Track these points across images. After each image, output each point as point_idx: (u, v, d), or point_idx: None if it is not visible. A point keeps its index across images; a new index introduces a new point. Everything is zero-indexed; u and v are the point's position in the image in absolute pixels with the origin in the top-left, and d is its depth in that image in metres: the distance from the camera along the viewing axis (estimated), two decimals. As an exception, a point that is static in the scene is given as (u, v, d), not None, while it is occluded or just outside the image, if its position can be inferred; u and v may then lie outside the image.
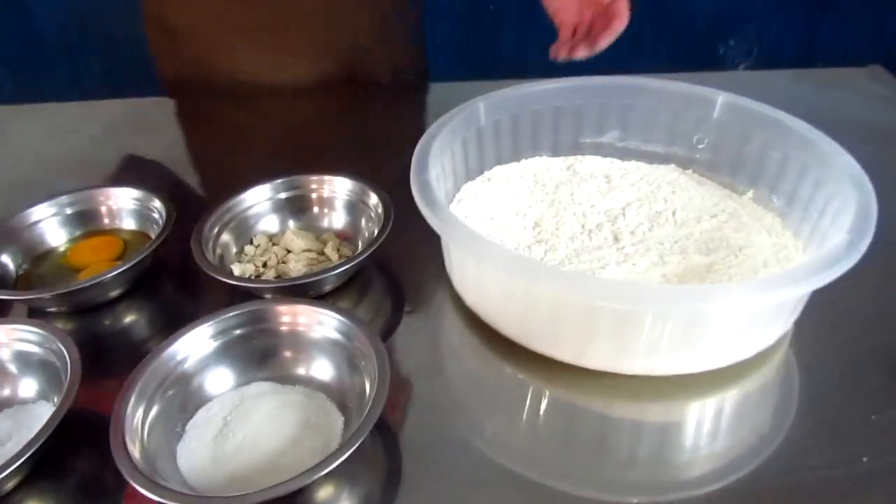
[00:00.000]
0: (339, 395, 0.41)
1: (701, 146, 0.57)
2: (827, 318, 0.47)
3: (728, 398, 0.43)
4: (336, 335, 0.41)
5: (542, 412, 0.42)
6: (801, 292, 0.39)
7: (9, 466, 0.35)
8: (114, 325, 0.50)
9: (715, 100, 0.55)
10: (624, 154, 0.60)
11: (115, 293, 0.51)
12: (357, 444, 0.34)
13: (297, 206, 0.55)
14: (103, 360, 0.47)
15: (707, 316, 0.39)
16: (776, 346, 0.45)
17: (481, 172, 0.58)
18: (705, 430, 0.41)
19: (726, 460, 0.39)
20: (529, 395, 0.43)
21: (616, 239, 0.49)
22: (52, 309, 0.50)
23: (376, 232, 0.50)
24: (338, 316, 0.41)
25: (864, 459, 0.38)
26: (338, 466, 0.33)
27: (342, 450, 0.34)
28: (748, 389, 0.43)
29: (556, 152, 0.60)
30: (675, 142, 0.58)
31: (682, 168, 0.58)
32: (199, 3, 0.74)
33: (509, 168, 0.58)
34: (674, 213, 0.51)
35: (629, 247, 0.48)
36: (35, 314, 0.51)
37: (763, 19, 1.60)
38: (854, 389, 0.43)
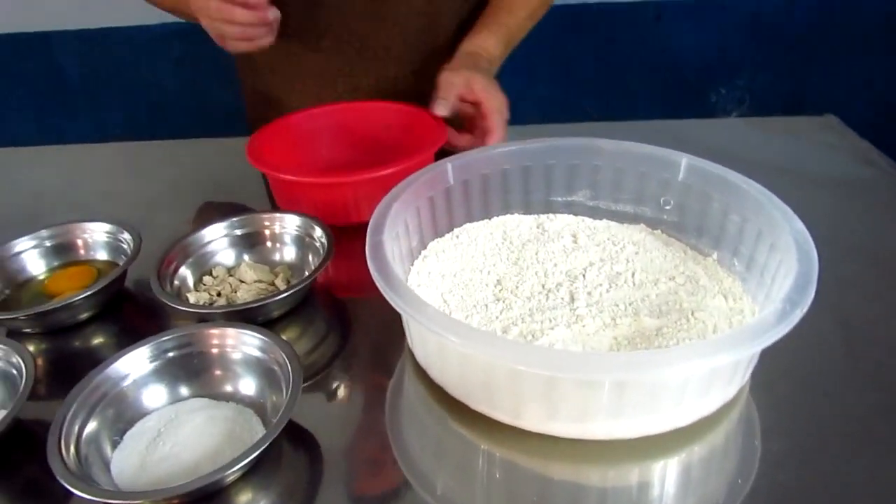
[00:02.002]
0: (262, 410, 0.45)
1: (668, 207, 0.58)
2: (785, 365, 0.48)
3: (671, 464, 0.42)
4: (258, 353, 0.45)
5: (486, 473, 0.42)
6: (718, 363, 0.37)
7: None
8: (82, 345, 0.55)
9: (679, 162, 0.56)
10: (595, 213, 0.61)
11: (83, 316, 0.56)
12: (263, 447, 0.38)
13: (250, 242, 0.60)
14: (68, 377, 0.51)
15: (631, 385, 0.39)
16: (726, 410, 0.44)
17: (451, 229, 0.60)
18: (651, 496, 0.41)
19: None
20: (475, 453, 0.44)
21: (572, 299, 0.50)
22: (28, 330, 0.55)
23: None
24: (259, 336, 0.45)
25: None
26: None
27: (249, 452, 0.38)
28: (695, 456, 0.43)
29: (527, 210, 0.62)
30: (643, 202, 0.59)
31: (651, 228, 0.59)
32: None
33: (479, 225, 0.60)
34: (633, 275, 0.52)
35: (583, 308, 0.49)
36: (13, 335, 0.56)
37: (753, 70, 1.65)
38: (817, 445, 0.43)
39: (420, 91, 0.85)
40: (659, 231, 0.60)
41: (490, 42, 0.78)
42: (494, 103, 0.69)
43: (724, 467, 0.42)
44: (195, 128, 1.74)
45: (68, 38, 1.62)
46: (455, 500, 0.41)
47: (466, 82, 0.70)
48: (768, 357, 0.45)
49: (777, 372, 0.48)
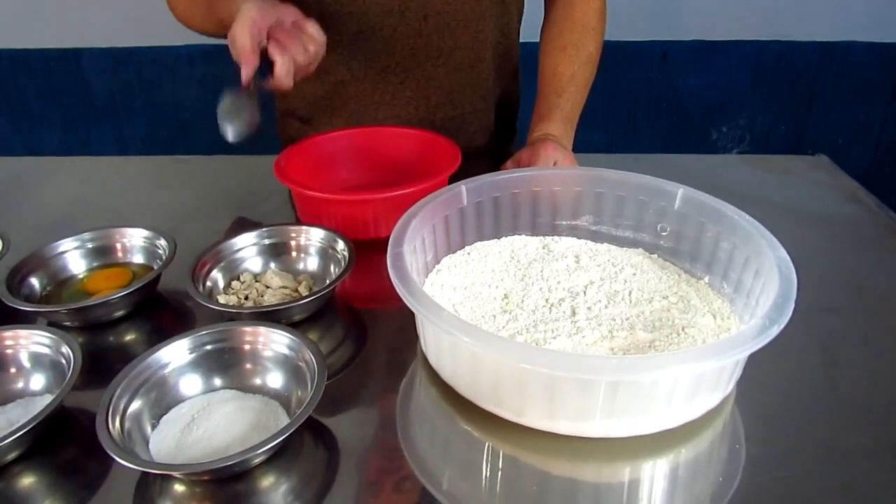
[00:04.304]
0: (288, 403, 0.49)
1: (664, 234, 0.63)
2: (769, 379, 0.52)
3: (660, 464, 0.46)
4: (287, 351, 0.50)
5: (489, 467, 0.46)
6: (703, 369, 0.42)
7: (7, 439, 0.43)
8: (116, 340, 0.60)
9: (675, 193, 0.61)
10: (597, 237, 0.66)
11: (119, 313, 0.60)
12: (287, 434, 0.42)
13: (277, 251, 0.65)
14: (103, 368, 0.56)
15: (624, 386, 0.43)
16: (711, 418, 0.48)
17: (462, 247, 0.64)
18: (640, 494, 0.44)
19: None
20: (480, 449, 0.47)
21: (573, 313, 0.54)
22: (67, 323, 0.60)
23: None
24: (289, 335, 0.49)
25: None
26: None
27: (274, 437, 0.42)
28: (689, 454, 0.46)
29: (534, 232, 0.67)
30: (642, 228, 0.64)
31: (649, 252, 0.64)
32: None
33: (489, 244, 0.65)
34: (630, 293, 0.57)
35: (583, 321, 0.53)
36: (52, 326, 0.61)
37: (753, 110, 1.71)
38: (797, 451, 0.46)
39: (459, 120, 0.91)
40: (656, 255, 0.64)
41: (552, 127, 0.81)
42: (542, 154, 0.74)
43: (709, 469, 0.46)
44: (214, 147, 1.81)
45: (97, 56, 1.69)
46: (459, 492, 0.45)
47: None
48: (752, 372, 0.50)
49: (760, 386, 0.52)
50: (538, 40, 0.90)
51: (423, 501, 0.44)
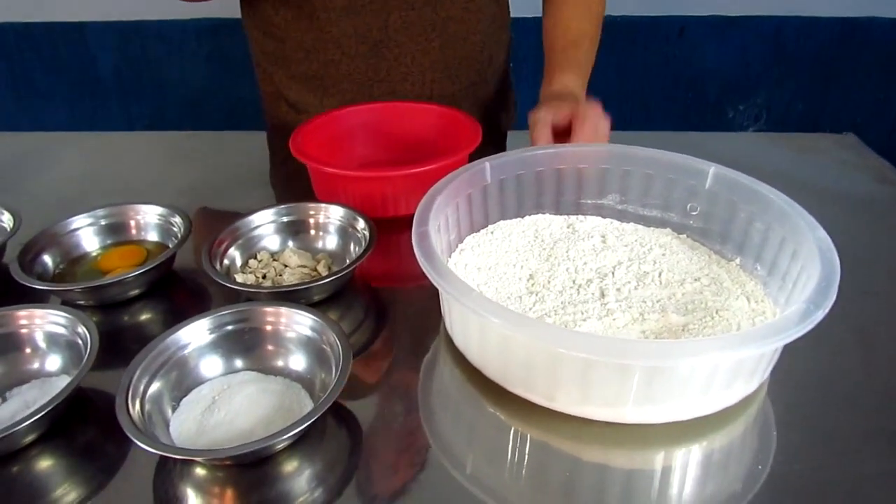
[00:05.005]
0: (311, 386, 0.48)
1: (694, 213, 0.61)
2: (802, 366, 0.50)
3: (694, 451, 0.45)
4: (310, 333, 0.48)
5: (517, 452, 0.45)
6: (745, 355, 0.40)
7: (26, 421, 0.42)
8: (131, 320, 0.58)
9: (707, 171, 0.59)
10: (623, 216, 0.64)
11: (134, 293, 0.59)
12: (313, 419, 0.41)
13: (295, 229, 0.63)
14: (119, 349, 0.55)
15: (662, 372, 0.42)
16: (745, 405, 0.47)
17: (485, 226, 0.63)
18: (672, 480, 0.43)
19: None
20: (507, 434, 0.46)
21: (602, 295, 0.53)
22: (81, 302, 0.58)
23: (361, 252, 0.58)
24: (312, 316, 0.48)
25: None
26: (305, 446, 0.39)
27: (300, 422, 0.41)
28: (716, 444, 0.45)
29: (558, 211, 0.65)
30: (670, 208, 0.62)
31: (677, 233, 0.62)
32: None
33: (512, 223, 0.63)
34: (660, 275, 0.55)
35: (613, 303, 0.51)
36: (66, 306, 0.59)
37: (771, 88, 1.68)
38: (832, 438, 0.45)
39: (457, 95, 0.88)
40: (684, 236, 0.62)
41: (568, 79, 0.78)
42: (585, 114, 0.68)
43: (742, 455, 0.45)
44: (222, 124, 1.79)
45: (103, 30, 1.66)
46: (486, 477, 0.44)
47: (554, 114, 0.70)
48: (787, 357, 0.48)
49: (794, 371, 0.50)
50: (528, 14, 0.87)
51: (449, 487, 0.43)
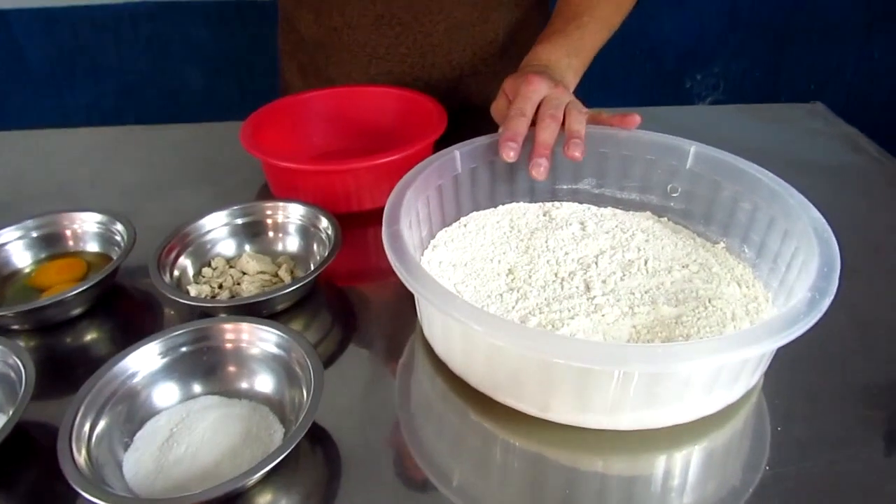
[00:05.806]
0: (280, 408, 0.44)
1: (675, 195, 0.58)
2: (797, 362, 0.48)
3: (696, 451, 0.43)
4: (276, 350, 0.44)
5: (506, 463, 0.42)
6: (759, 352, 0.38)
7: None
8: (74, 342, 0.53)
9: (687, 150, 0.56)
10: (600, 201, 0.61)
11: (75, 312, 0.53)
12: (288, 451, 0.37)
13: (252, 231, 0.58)
14: (62, 376, 0.49)
15: (664, 376, 0.39)
16: (745, 398, 0.45)
17: (458, 218, 0.59)
18: (673, 484, 0.41)
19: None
20: (494, 445, 0.43)
21: (587, 288, 0.50)
22: (16, 326, 0.52)
23: (326, 254, 0.53)
24: (277, 332, 0.43)
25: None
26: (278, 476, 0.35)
27: (273, 456, 0.36)
28: (717, 442, 0.43)
29: (532, 198, 0.61)
30: (649, 190, 0.59)
31: (657, 216, 0.59)
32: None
33: (486, 214, 0.60)
34: (646, 263, 0.52)
35: (600, 297, 0.48)
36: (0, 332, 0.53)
37: (728, 57, 1.67)
38: (826, 436, 0.43)
39: (455, 82, 0.83)
40: (665, 219, 0.60)
41: (553, 54, 0.68)
42: (522, 90, 0.60)
43: (741, 450, 0.43)
44: (166, 113, 1.69)
45: (28, 17, 1.55)
46: (476, 493, 0.40)
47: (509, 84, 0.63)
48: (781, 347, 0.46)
49: (790, 360, 0.48)
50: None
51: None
